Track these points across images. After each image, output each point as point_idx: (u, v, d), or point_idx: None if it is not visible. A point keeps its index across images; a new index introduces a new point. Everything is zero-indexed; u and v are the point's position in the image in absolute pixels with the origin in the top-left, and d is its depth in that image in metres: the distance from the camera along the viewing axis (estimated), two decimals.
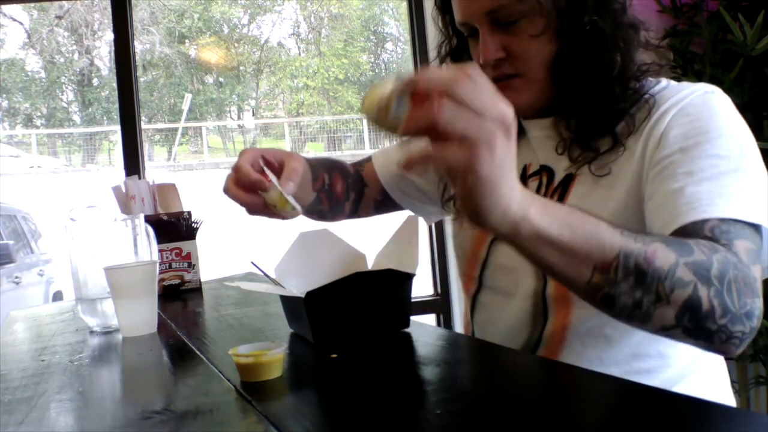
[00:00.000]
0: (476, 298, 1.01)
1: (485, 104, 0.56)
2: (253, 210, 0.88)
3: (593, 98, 0.87)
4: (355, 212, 1.16)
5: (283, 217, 0.87)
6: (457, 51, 1.00)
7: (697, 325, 0.69)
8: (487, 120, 0.56)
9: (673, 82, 0.89)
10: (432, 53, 2.45)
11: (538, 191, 0.94)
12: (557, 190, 0.92)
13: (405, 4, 2.60)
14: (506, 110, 0.57)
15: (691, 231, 0.75)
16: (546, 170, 0.95)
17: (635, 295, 0.68)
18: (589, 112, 0.88)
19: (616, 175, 0.87)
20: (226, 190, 0.88)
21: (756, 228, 0.76)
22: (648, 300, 0.68)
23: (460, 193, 0.59)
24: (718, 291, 0.68)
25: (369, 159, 1.19)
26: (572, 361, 0.88)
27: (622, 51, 0.86)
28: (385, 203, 1.17)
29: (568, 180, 0.91)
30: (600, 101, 0.87)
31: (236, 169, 0.87)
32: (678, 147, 0.81)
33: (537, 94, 0.89)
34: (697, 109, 0.83)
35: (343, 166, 1.15)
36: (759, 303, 0.71)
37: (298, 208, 0.86)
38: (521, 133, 0.99)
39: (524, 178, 0.97)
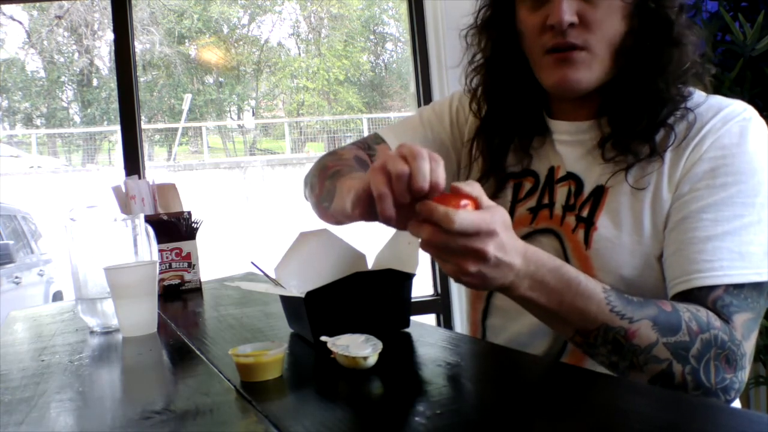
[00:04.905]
0: (491, 301, 0.98)
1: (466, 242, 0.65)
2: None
3: (643, 89, 0.85)
4: None
5: None
6: (497, 19, 0.95)
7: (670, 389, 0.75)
8: (467, 251, 0.66)
9: (711, 97, 0.88)
10: (432, 53, 2.46)
11: (567, 200, 0.91)
12: (587, 201, 0.89)
13: (405, 4, 2.60)
14: (487, 226, 0.66)
15: (697, 296, 0.79)
16: (573, 178, 0.92)
17: (611, 358, 0.76)
18: (635, 104, 0.86)
19: (650, 190, 0.85)
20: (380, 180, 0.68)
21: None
22: (623, 365, 0.75)
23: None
24: (694, 369, 0.74)
25: (378, 140, 1.07)
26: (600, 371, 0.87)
27: (681, 47, 0.85)
28: None
29: (600, 192, 0.89)
30: (648, 93, 0.85)
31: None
32: (705, 183, 0.82)
33: (595, 72, 0.86)
34: (732, 141, 0.82)
35: (366, 163, 1.03)
36: (741, 376, 0.76)
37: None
38: (545, 132, 0.97)
39: (551, 182, 0.94)
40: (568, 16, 0.83)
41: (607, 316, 0.73)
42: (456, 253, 0.67)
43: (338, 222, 0.99)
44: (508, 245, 0.68)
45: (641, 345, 0.73)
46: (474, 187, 0.68)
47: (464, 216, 0.64)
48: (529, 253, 0.72)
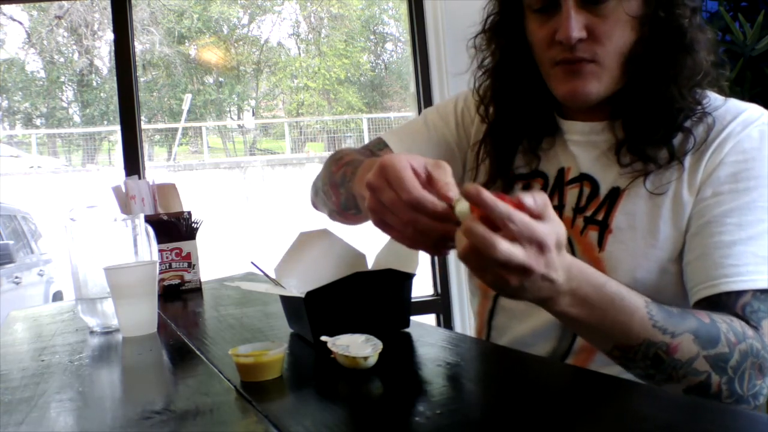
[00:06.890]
0: (497, 302, 0.97)
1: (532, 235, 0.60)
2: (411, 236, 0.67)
3: (657, 97, 0.84)
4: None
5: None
6: (506, 26, 0.94)
7: (703, 398, 0.74)
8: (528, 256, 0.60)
9: (729, 100, 0.87)
10: (432, 53, 2.46)
11: (578, 202, 0.90)
12: (603, 204, 0.88)
13: (405, 4, 2.60)
14: (548, 235, 0.61)
15: (724, 301, 0.78)
16: (588, 179, 0.90)
17: (649, 371, 0.74)
18: (649, 112, 0.85)
19: (669, 195, 0.84)
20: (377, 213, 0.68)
21: None
22: (660, 377, 0.74)
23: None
24: (730, 379, 0.73)
25: (381, 146, 1.06)
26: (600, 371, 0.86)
27: (694, 54, 0.84)
28: None
29: (615, 194, 0.87)
30: (662, 101, 0.84)
31: (397, 183, 0.65)
32: (728, 188, 0.81)
33: (605, 84, 0.85)
34: (753, 145, 0.82)
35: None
36: None
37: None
38: (556, 132, 0.95)
39: (561, 184, 0.93)
40: (576, 32, 0.82)
41: (650, 332, 0.71)
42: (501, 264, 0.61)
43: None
44: (555, 262, 0.64)
45: (682, 359, 0.72)
46: (538, 200, 0.62)
47: (523, 218, 0.60)
48: (574, 269, 0.67)
